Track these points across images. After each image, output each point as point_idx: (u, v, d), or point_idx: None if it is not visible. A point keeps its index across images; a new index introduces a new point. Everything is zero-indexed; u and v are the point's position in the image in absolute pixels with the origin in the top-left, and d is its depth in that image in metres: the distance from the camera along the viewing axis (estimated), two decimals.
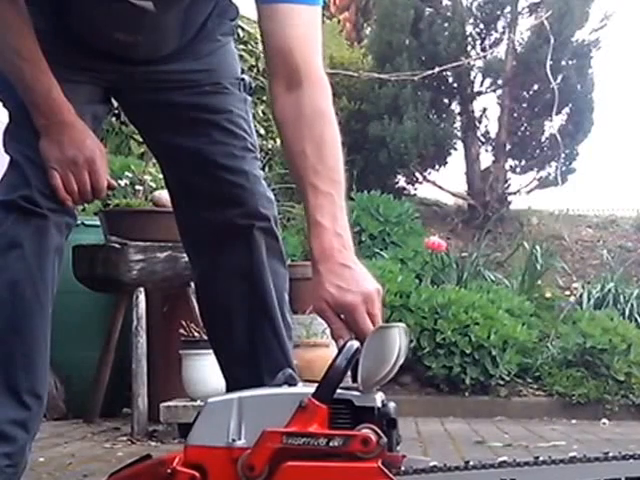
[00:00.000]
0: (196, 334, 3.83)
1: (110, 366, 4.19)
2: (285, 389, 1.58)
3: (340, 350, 1.53)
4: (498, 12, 7.46)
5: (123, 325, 4.13)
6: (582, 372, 5.21)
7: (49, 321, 1.85)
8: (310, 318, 4.25)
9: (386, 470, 1.46)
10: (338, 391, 1.52)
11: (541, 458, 1.49)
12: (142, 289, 3.96)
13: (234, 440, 1.52)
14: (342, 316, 1.51)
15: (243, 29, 7.98)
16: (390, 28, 7.27)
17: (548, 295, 6.19)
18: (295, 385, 1.58)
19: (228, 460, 1.51)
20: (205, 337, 3.81)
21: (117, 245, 3.94)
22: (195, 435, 1.58)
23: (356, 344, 1.52)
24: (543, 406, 5.21)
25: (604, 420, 4.99)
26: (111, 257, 3.94)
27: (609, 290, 6.07)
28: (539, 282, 6.26)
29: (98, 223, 4.23)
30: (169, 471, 1.56)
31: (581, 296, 6.13)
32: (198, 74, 1.93)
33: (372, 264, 5.58)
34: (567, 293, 6.42)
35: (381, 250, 6.19)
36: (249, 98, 2.01)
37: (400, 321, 5.25)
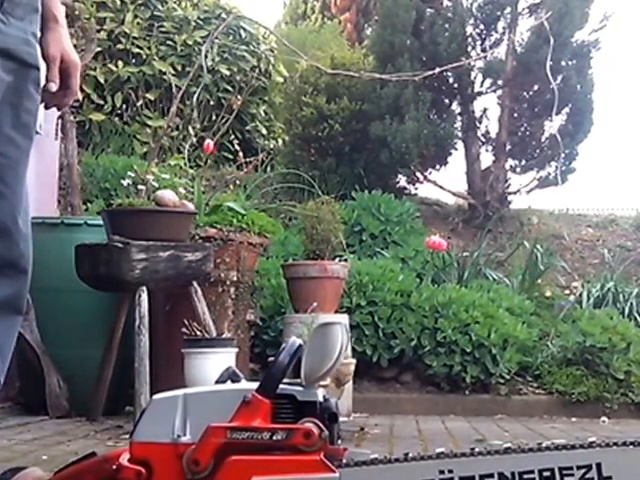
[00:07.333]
0: (198, 333, 3.86)
1: (113, 365, 4.22)
2: (229, 385, 1.62)
3: (284, 347, 1.57)
4: (498, 13, 7.49)
5: (126, 324, 4.16)
6: (582, 370, 5.24)
7: None
8: (312, 317, 4.26)
9: (328, 462, 1.49)
10: (281, 386, 1.55)
11: (477, 449, 1.53)
12: (144, 288, 3.99)
13: (179, 436, 1.57)
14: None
15: (245, 30, 8.00)
16: (392, 29, 7.29)
17: (548, 294, 6.21)
18: (238, 381, 1.62)
19: (174, 456, 1.55)
20: (207, 336, 3.86)
21: (120, 244, 3.96)
22: (141, 431, 1.63)
23: (299, 341, 1.57)
24: (543, 404, 5.23)
25: (604, 418, 5.02)
26: (114, 256, 3.97)
27: (609, 289, 6.09)
28: (539, 281, 6.28)
29: (101, 222, 4.25)
30: (115, 467, 1.59)
31: (581, 295, 6.15)
32: None
33: (373, 263, 5.60)
34: (567, 292, 6.44)
35: (382, 249, 6.21)
36: None
37: (401, 320, 5.28)
